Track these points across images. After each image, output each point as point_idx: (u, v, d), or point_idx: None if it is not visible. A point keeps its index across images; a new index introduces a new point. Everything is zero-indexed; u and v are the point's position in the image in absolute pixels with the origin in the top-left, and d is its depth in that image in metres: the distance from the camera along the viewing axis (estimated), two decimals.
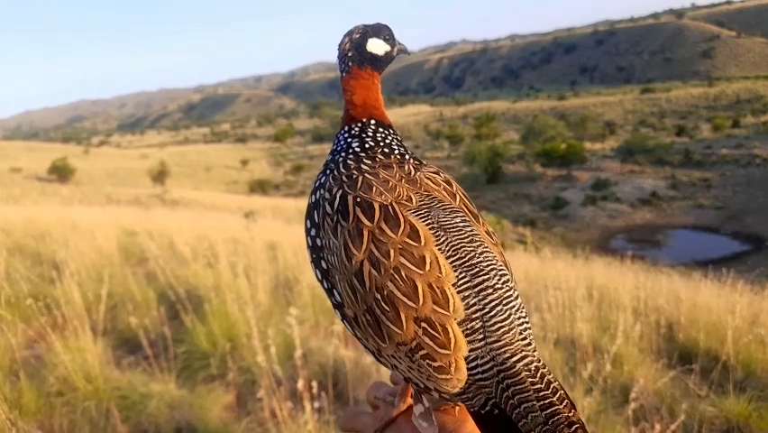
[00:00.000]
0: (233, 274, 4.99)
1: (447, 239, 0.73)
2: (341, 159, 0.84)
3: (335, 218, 0.75)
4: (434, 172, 0.83)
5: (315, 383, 2.68)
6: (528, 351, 0.68)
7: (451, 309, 0.67)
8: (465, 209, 0.80)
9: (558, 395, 0.65)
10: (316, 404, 2.76)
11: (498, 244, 0.78)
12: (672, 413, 3.37)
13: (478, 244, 0.74)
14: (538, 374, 0.66)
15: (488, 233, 0.79)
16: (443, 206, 0.77)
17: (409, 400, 0.81)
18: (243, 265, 5.11)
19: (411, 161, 0.85)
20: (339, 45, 0.92)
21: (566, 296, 5.02)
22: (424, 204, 0.76)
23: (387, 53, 0.93)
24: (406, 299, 0.67)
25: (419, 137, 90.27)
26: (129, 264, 5.76)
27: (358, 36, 0.91)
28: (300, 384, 2.64)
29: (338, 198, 0.76)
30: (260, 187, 53.09)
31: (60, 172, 51.76)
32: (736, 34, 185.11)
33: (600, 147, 66.50)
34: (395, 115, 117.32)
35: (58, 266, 5.16)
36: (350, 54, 0.90)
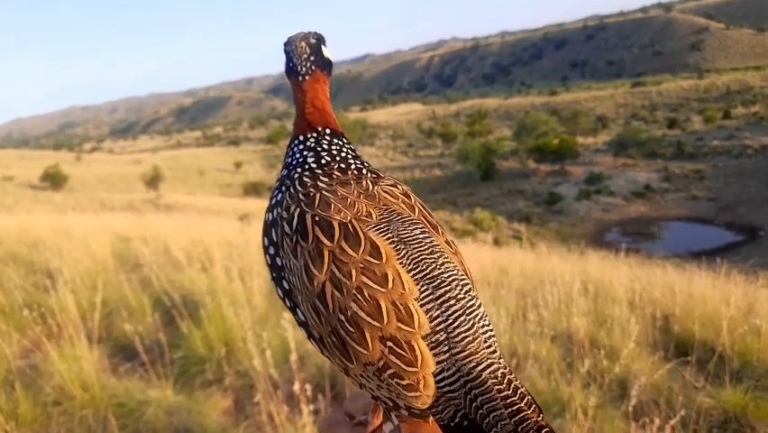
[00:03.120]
0: (228, 278, 4.97)
1: (408, 252, 0.72)
2: (296, 175, 0.82)
3: (294, 238, 0.74)
4: (391, 185, 0.82)
5: (310, 386, 2.67)
6: (494, 358, 0.68)
7: (416, 326, 0.67)
8: (424, 220, 0.79)
9: (526, 400, 0.65)
10: (313, 407, 2.76)
11: (457, 253, 0.78)
12: (669, 406, 3.38)
13: (438, 255, 0.73)
14: (505, 381, 0.66)
15: (447, 242, 0.79)
16: (402, 218, 0.76)
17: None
18: (238, 269, 5.10)
19: (368, 175, 0.83)
20: (292, 48, 0.87)
21: (562, 291, 5.03)
22: (383, 218, 0.76)
23: (331, 60, 0.92)
24: (370, 319, 0.67)
25: (412, 136, 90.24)
26: (123, 271, 5.74)
27: (314, 41, 0.88)
28: (297, 387, 2.64)
29: (296, 217, 0.75)
30: (254, 189, 52.94)
31: (53, 180, 51.48)
32: (724, 26, 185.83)
33: (593, 141, 66.71)
34: (387, 114, 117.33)
35: (52, 274, 5.13)
36: (312, 58, 0.88)
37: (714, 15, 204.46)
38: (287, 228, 0.75)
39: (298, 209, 0.76)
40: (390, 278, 0.69)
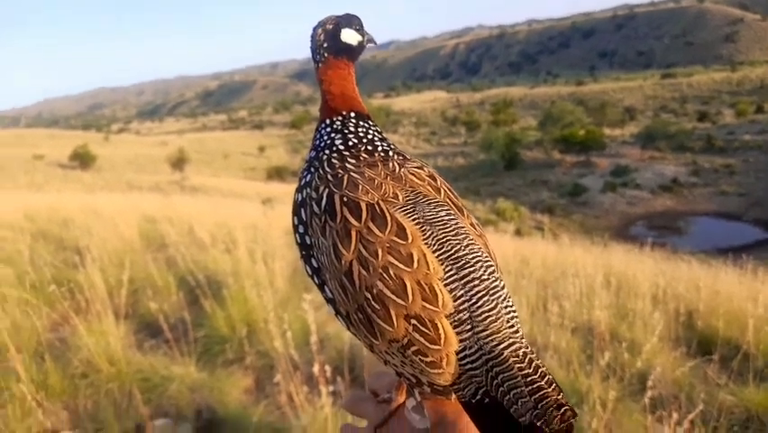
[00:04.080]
0: (252, 260, 5.04)
1: (433, 233, 0.74)
2: (325, 156, 0.84)
3: (323, 218, 0.76)
4: (418, 167, 0.84)
5: (329, 368, 2.71)
6: (516, 337, 0.69)
7: (440, 305, 0.69)
8: (450, 202, 0.81)
9: (546, 379, 0.66)
10: (332, 388, 2.79)
11: (482, 235, 0.80)
12: (690, 401, 3.35)
13: (463, 236, 0.75)
14: (526, 360, 0.67)
15: (472, 224, 0.80)
16: (427, 200, 0.78)
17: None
18: (261, 251, 5.16)
19: (395, 157, 0.85)
20: (312, 37, 0.91)
21: (584, 283, 5.00)
22: (409, 199, 0.77)
23: (359, 43, 0.93)
24: (395, 297, 0.69)
25: (436, 123, 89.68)
26: (150, 250, 5.84)
27: (331, 27, 0.90)
28: (316, 369, 2.67)
29: (325, 198, 0.77)
30: (277, 173, 53.27)
31: (82, 159, 52.38)
32: (760, 17, 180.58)
33: (620, 133, 65.58)
34: (411, 101, 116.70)
35: (80, 252, 5.25)
36: (325, 45, 0.90)
37: (749, 6, 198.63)
38: (315, 208, 0.77)
39: (327, 190, 0.77)
40: (416, 258, 0.70)
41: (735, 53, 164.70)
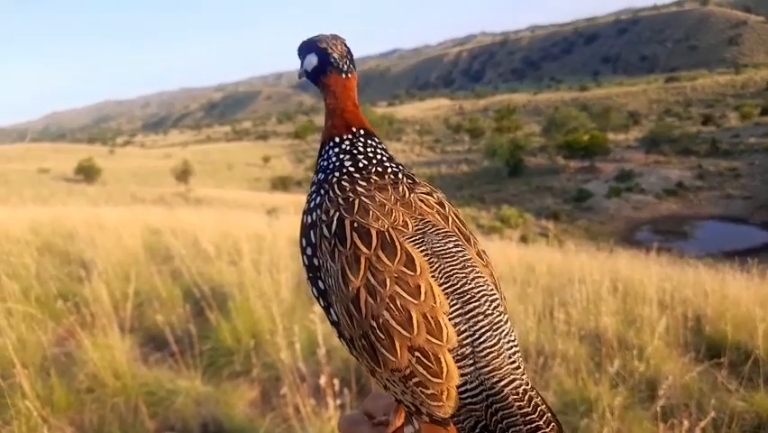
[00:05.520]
0: (257, 271, 5.03)
1: (440, 266, 0.74)
2: (335, 179, 0.84)
3: (333, 242, 0.76)
4: (426, 193, 0.84)
5: (336, 380, 2.70)
6: (517, 374, 0.70)
7: (444, 339, 0.69)
8: (457, 231, 0.81)
9: (545, 418, 0.68)
10: (339, 401, 2.78)
11: (488, 265, 0.80)
12: (700, 408, 3.31)
13: (470, 269, 0.75)
14: (526, 397, 0.69)
15: (479, 253, 0.80)
16: (436, 230, 0.78)
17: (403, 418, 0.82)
18: (267, 262, 5.15)
19: (404, 180, 0.84)
20: (330, 45, 0.89)
21: (591, 289, 4.97)
22: (419, 229, 0.77)
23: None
24: (401, 329, 0.69)
25: (439, 131, 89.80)
26: (154, 262, 5.85)
27: (346, 44, 0.91)
28: (323, 380, 2.66)
29: (335, 222, 0.77)
30: (281, 183, 53.45)
31: (87, 172, 52.77)
32: (764, 19, 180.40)
33: (624, 138, 65.51)
34: (414, 109, 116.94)
35: (86, 265, 5.26)
36: (350, 57, 0.90)
37: (753, 8, 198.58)
38: (326, 231, 0.78)
39: (338, 213, 0.78)
40: (423, 290, 0.71)
41: (738, 56, 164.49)
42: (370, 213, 0.76)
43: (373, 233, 0.74)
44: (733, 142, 55.41)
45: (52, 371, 3.51)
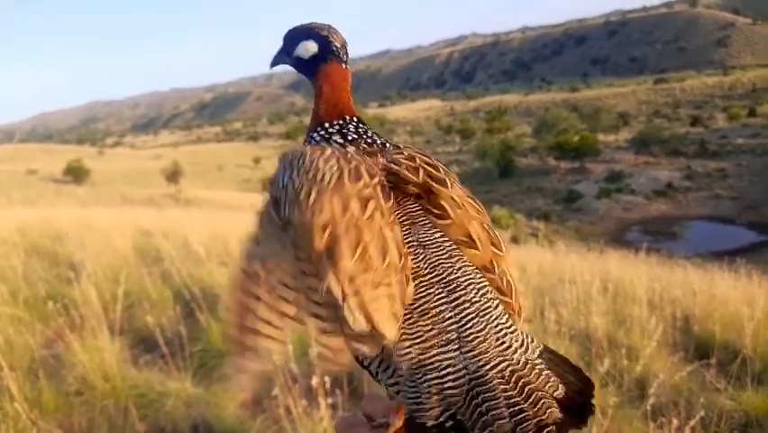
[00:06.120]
0: None
1: (426, 256, 0.73)
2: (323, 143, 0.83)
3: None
4: (400, 153, 0.81)
5: (328, 380, 2.69)
6: (506, 355, 0.67)
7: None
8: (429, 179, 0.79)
9: (532, 398, 0.63)
10: (330, 401, 2.77)
11: (497, 244, 0.79)
12: (689, 407, 3.34)
13: (456, 258, 0.74)
14: (513, 379, 0.65)
15: (482, 225, 0.79)
16: (422, 221, 0.77)
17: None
18: None
19: (391, 149, 0.83)
20: (329, 34, 0.88)
21: (581, 289, 4.99)
22: (407, 219, 0.76)
23: None
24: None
25: (430, 132, 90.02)
26: (144, 264, 5.81)
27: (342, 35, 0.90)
28: (315, 381, 2.65)
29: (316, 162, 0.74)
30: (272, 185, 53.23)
31: (76, 173, 52.35)
32: (751, 21, 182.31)
33: (614, 139, 65.99)
34: (405, 110, 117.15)
35: (74, 267, 5.22)
36: (347, 49, 0.89)
37: (741, 10, 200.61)
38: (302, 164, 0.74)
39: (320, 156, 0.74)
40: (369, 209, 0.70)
41: (726, 58, 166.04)
42: (361, 169, 0.74)
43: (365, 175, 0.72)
44: (721, 144, 56.00)
45: (41, 373, 3.48)
